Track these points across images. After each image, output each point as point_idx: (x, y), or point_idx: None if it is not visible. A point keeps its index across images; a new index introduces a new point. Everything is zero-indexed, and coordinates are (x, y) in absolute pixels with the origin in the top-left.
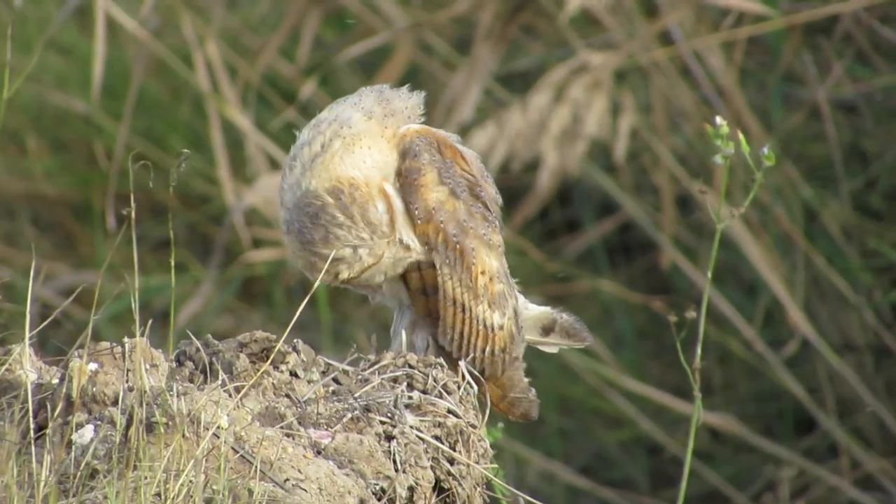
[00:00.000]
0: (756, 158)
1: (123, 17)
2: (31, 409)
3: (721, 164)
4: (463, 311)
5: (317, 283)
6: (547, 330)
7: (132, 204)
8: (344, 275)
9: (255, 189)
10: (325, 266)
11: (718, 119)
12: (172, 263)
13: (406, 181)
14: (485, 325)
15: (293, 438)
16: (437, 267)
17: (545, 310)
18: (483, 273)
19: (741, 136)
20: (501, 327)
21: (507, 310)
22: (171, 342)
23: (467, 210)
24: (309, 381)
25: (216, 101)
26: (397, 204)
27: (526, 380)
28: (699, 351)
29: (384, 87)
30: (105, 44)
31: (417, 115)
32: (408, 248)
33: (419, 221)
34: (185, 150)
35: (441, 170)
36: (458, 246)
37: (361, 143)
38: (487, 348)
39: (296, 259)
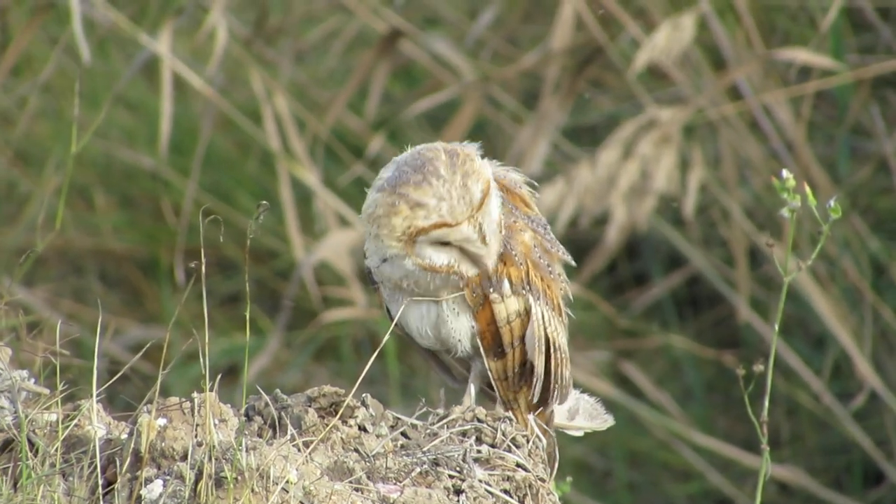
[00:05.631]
0: (823, 211)
1: (190, 74)
2: (99, 464)
3: (788, 217)
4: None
5: (392, 240)
6: (573, 413)
7: (202, 258)
8: (419, 222)
9: (324, 245)
10: (406, 207)
11: (785, 172)
12: (248, 316)
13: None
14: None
15: (362, 493)
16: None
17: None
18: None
19: (808, 188)
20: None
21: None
22: (244, 396)
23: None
24: (378, 436)
25: (285, 158)
26: (494, 208)
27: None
28: (766, 404)
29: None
30: (172, 101)
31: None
32: (482, 239)
33: (520, 265)
34: (264, 202)
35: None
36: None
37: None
38: (567, 373)
39: (377, 207)
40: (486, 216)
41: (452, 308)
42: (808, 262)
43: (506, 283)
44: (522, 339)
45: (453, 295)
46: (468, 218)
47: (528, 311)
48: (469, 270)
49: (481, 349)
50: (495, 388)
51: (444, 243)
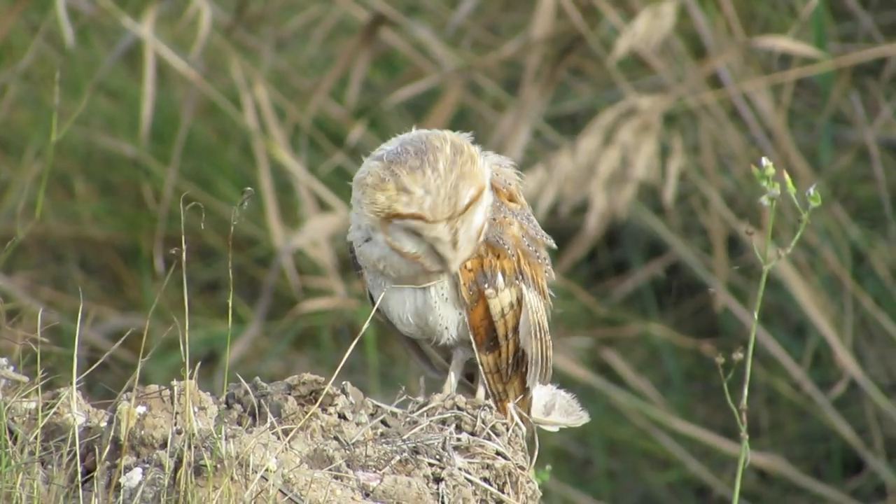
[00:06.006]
0: (802, 199)
1: (173, 57)
2: (78, 452)
3: (767, 205)
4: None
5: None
6: (549, 408)
7: (183, 245)
8: (399, 206)
9: (304, 232)
10: (394, 188)
11: (764, 160)
12: (230, 303)
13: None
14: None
15: (341, 481)
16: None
17: (546, 387)
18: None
19: (787, 177)
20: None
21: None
22: (225, 384)
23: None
24: (357, 424)
25: (265, 143)
26: (479, 215)
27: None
28: (745, 392)
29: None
30: (154, 86)
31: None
32: (453, 244)
33: (511, 257)
34: (249, 189)
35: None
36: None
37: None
38: (550, 353)
39: (368, 175)
40: (466, 222)
41: (441, 294)
42: (787, 251)
43: (500, 277)
44: (516, 329)
45: (433, 282)
46: (447, 219)
47: (520, 301)
48: (433, 266)
49: (473, 344)
50: (485, 381)
51: (417, 234)
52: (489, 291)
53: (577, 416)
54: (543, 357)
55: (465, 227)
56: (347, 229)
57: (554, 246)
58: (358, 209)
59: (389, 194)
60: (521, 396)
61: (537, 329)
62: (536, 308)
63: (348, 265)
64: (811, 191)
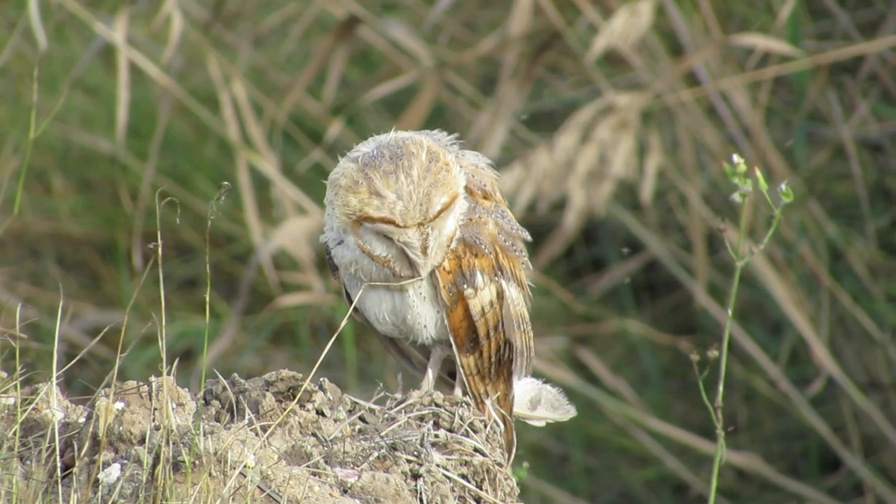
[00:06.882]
0: (775, 196)
1: (146, 63)
2: (57, 448)
3: (739, 201)
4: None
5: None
6: (534, 403)
7: (159, 241)
8: (370, 210)
9: (282, 231)
10: (366, 191)
11: (735, 157)
12: (208, 300)
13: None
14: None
15: (320, 477)
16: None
17: (532, 382)
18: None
19: (759, 173)
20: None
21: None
22: (203, 380)
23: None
24: (335, 420)
25: (242, 147)
26: (451, 222)
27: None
28: (721, 389)
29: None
30: (129, 88)
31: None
32: (423, 249)
33: (489, 254)
34: (226, 183)
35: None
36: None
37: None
38: (532, 343)
39: (342, 177)
40: (437, 229)
41: (419, 293)
42: (760, 247)
43: (479, 276)
44: (496, 328)
45: (409, 282)
46: (418, 225)
47: (500, 296)
48: (402, 270)
49: (454, 346)
50: (466, 383)
51: (388, 238)
52: (468, 292)
53: (563, 411)
54: (527, 347)
55: (436, 233)
56: (322, 230)
57: (529, 239)
58: (330, 209)
59: (361, 197)
60: (501, 394)
61: (520, 321)
62: (517, 300)
63: (325, 262)
64: (783, 186)
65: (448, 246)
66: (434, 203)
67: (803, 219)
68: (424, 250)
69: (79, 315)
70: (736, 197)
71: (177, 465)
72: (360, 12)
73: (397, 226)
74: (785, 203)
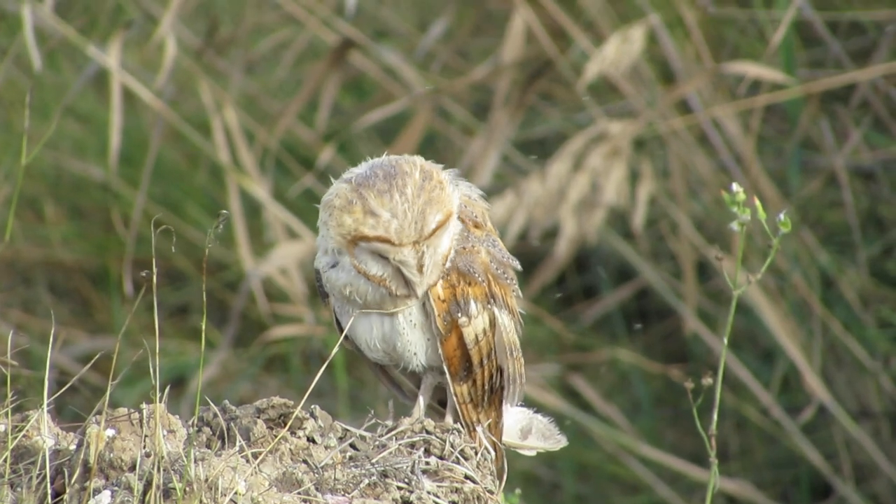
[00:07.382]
0: (773, 225)
1: (140, 88)
2: (48, 475)
3: (737, 230)
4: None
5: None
6: (525, 433)
7: (154, 268)
8: (365, 229)
9: (272, 259)
10: (361, 210)
11: (735, 186)
12: (203, 328)
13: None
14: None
15: None
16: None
17: (523, 411)
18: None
19: (757, 202)
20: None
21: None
22: (197, 407)
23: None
24: (326, 447)
25: (234, 173)
26: (446, 240)
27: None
28: (715, 417)
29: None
30: (121, 115)
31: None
32: (419, 268)
33: (482, 283)
34: (225, 212)
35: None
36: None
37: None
38: (523, 370)
39: (336, 197)
40: (433, 247)
41: (409, 320)
42: (757, 276)
43: (472, 304)
44: (489, 355)
45: (400, 307)
46: (413, 243)
47: (493, 323)
48: (399, 290)
49: (447, 375)
50: (459, 411)
51: (383, 257)
52: (462, 320)
53: (555, 440)
54: (518, 374)
55: (432, 252)
56: (315, 255)
57: (519, 268)
58: (325, 231)
59: (356, 216)
60: (492, 421)
61: (512, 348)
62: (508, 327)
63: (316, 292)
64: (781, 216)
65: (443, 265)
66: (429, 221)
67: (796, 247)
68: (420, 268)
69: (70, 342)
70: (734, 226)
71: (167, 492)
72: (353, 37)
73: (393, 244)
74: (783, 233)
